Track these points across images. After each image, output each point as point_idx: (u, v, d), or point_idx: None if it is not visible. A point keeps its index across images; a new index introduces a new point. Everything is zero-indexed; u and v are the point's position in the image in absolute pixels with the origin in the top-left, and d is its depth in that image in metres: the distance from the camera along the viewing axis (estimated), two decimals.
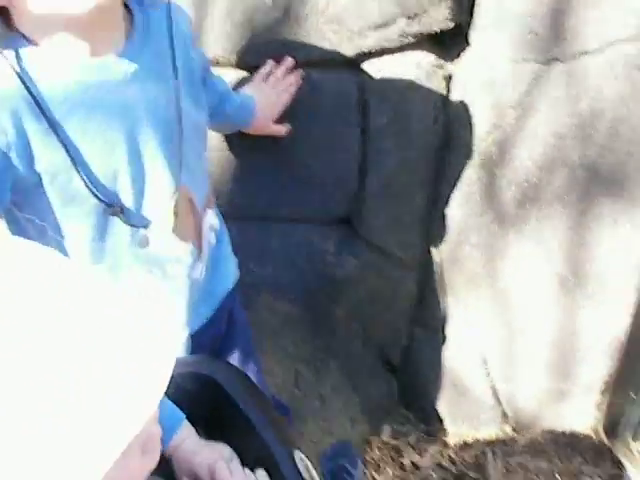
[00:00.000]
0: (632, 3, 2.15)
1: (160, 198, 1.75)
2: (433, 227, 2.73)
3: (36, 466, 0.86)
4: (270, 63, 2.37)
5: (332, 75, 2.44)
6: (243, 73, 2.42)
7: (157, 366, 0.95)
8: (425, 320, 2.95)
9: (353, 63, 2.42)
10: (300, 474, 1.46)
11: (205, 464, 1.42)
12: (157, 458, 1.09)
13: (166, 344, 0.97)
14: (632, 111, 2.26)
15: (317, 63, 2.40)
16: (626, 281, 2.57)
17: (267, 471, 1.44)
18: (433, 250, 2.79)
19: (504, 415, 2.99)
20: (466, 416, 3.03)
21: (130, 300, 0.99)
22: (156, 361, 0.95)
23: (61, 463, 0.87)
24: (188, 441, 1.45)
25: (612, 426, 2.88)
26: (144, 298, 1.01)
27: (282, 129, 2.42)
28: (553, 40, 2.27)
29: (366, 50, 2.38)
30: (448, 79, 2.49)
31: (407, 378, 3.09)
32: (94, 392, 0.89)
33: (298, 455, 1.50)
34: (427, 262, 2.82)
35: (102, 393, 0.90)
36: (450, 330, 2.92)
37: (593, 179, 2.41)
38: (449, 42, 2.44)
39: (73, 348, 0.90)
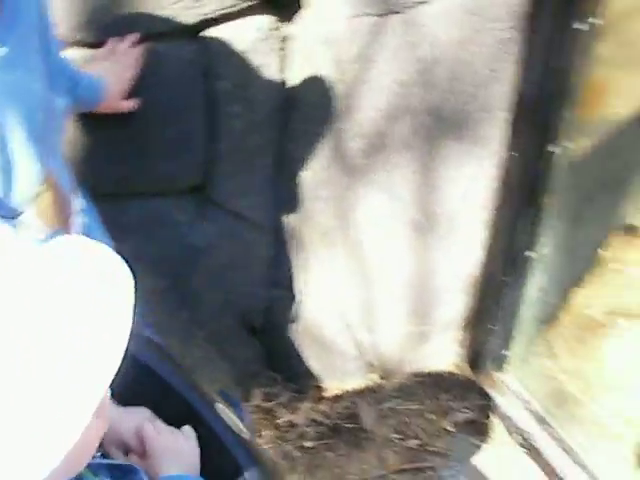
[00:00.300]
0: None
1: (28, 187, 1.70)
2: (284, 187, 2.78)
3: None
4: (112, 40, 2.33)
5: (175, 45, 2.43)
6: (85, 51, 2.37)
7: (113, 336, 0.96)
8: (283, 281, 2.99)
9: (195, 31, 2.42)
10: (225, 423, 1.49)
11: (131, 428, 1.42)
12: (108, 422, 1.09)
13: (121, 307, 0.98)
14: (474, 55, 2.36)
15: (160, 35, 2.38)
16: (475, 218, 2.69)
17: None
18: (286, 210, 2.83)
19: (370, 364, 3.07)
20: (333, 370, 3.09)
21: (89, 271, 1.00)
22: (113, 331, 0.96)
23: (31, 435, 0.87)
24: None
25: (475, 360, 3.02)
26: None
27: (130, 104, 2.37)
28: None
29: (206, 17, 2.38)
30: (288, 40, 2.52)
31: (271, 340, 3.13)
32: (60, 361, 0.90)
33: (219, 407, 1.53)
34: (280, 223, 2.86)
35: (65, 363, 0.90)
36: (308, 288, 2.98)
37: (437, 123, 2.51)
38: (286, 4, 2.47)
39: (40, 319, 0.91)
